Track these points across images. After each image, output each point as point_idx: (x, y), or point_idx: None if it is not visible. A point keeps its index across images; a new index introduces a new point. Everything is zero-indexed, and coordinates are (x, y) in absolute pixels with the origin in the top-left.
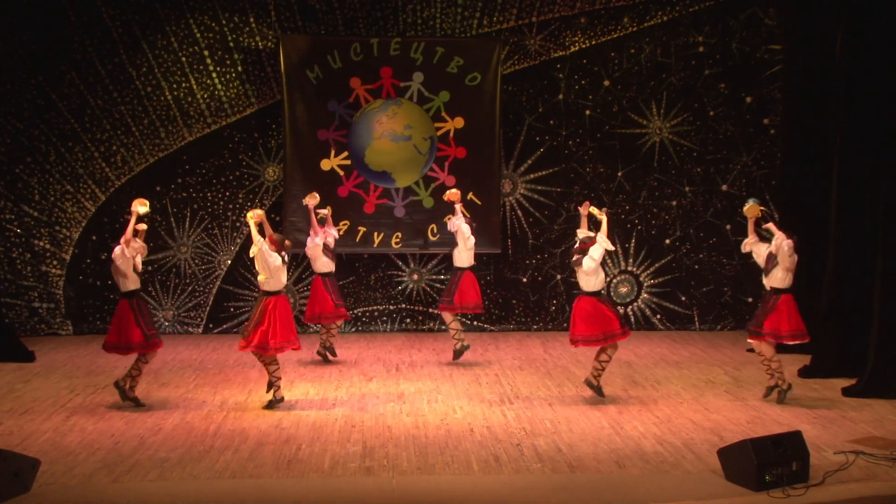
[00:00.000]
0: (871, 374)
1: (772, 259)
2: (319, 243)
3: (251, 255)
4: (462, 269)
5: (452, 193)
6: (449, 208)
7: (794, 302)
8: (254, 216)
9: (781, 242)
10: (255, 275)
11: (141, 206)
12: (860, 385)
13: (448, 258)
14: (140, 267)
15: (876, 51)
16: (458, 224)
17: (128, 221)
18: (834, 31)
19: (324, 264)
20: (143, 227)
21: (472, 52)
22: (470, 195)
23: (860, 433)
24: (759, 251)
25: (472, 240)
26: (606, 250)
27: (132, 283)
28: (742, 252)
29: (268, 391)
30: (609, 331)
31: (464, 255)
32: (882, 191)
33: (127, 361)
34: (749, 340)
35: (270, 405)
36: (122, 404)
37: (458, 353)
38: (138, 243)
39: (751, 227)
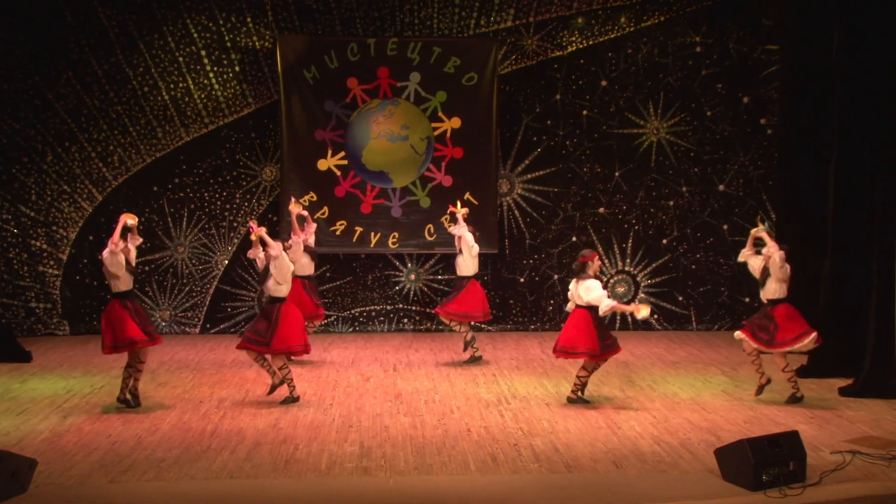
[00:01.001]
0: (868, 373)
1: (766, 271)
2: (300, 244)
3: (271, 265)
4: (467, 278)
5: (461, 211)
6: (446, 209)
7: (791, 308)
8: (259, 230)
9: (773, 254)
10: (253, 276)
11: (129, 220)
12: (857, 385)
13: (446, 258)
14: (133, 262)
15: (873, 51)
16: (462, 232)
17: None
18: (831, 31)
19: (303, 266)
20: (133, 222)
21: (469, 53)
22: (467, 195)
23: (857, 433)
24: (754, 264)
25: (477, 248)
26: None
27: (123, 283)
28: (738, 261)
29: (271, 392)
30: (590, 349)
31: (469, 263)
32: (879, 191)
33: (123, 361)
34: (736, 335)
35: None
36: (121, 405)
37: (474, 360)
38: (131, 238)
39: (750, 240)
